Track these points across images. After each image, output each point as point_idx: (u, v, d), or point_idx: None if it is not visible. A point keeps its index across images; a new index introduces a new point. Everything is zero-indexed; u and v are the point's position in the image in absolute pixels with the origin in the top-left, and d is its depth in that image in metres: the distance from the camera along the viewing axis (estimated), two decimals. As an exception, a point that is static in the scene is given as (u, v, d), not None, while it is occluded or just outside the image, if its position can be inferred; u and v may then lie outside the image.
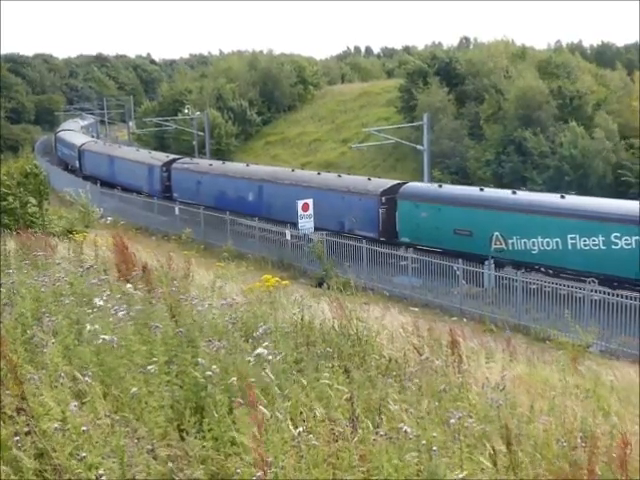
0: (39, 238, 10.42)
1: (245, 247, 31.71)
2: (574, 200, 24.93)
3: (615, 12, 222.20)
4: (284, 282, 8.74)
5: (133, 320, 5.27)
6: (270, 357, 4.62)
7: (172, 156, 46.63)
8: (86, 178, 50.61)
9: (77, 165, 57.12)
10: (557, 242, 23.37)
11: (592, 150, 45.64)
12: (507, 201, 25.51)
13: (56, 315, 5.37)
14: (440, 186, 29.61)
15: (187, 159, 45.49)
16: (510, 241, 24.53)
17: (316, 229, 30.13)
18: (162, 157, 46.19)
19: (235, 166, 41.23)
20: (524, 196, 26.14)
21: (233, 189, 37.09)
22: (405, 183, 30.60)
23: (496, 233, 24.76)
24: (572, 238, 22.98)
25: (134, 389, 4.18)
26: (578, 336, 18.00)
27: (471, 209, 25.84)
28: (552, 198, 25.43)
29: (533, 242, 23.97)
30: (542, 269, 24.06)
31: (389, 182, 31.41)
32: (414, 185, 30.75)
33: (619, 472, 3.89)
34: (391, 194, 29.16)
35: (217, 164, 42.04)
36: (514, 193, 26.28)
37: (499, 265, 24.15)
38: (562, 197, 24.87)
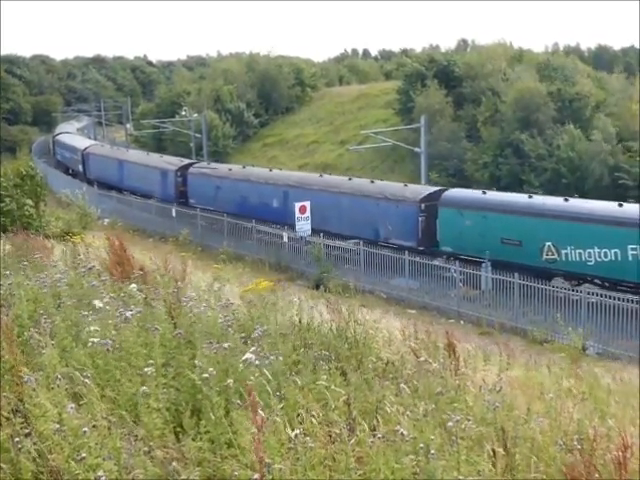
0: (36, 240, 10.41)
1: (242, 249, 31.68)
2: (634, 208, 23.37)
3: (612, 15, 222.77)
4: (272, 283, 8.74)
5: (133, 322, 5.26)
6: (257, 362, 4.60)
7: (186, 160, 45.37)
8: (91, 182, 49.66)
9: (80, 169, 55.99)
10: (616, 253, 22.20)
11: (589, 153, 45.71)
12: (560, 209, 24.24)
13: (54, 317, 5.37)
14: (484, 192, 28.14)
15: (204, 163, 43.98)
16: (563, 251, 23.42)
17: (348, 237, 29.36)
18: (176, 161, 44.76)
19: (257, 171, 39.08)
20: (578, 204, 24.77)
21: (256, 195, 35.36)
22: (446, 189, 29.37)
23: (548, 243, 23.69)
24: (633, 249, 21.79)
25: (134, 389, 4.17)
26: (574, 339, 18.05)
27: (520, 217, 24.63)
28: (609, 206, 24.21)
29: (589, 253, 22.78)
30: (597, 281, 23.07)
31: (428, 188, 30.33)
32: (457, 191, 29.58)
33: (617, 475, 3.89)
34: (431, 201, 27.79)
35: (237, 169, 40.01)
36: (566, 200, 24.97)
37: (550, 276, 23.17)
38: (620, 205, 23.69)
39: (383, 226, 29.01)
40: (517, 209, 25.08)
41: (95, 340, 4.68)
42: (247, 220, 32.95)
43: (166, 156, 49.98)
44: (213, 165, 43.03)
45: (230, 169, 39.99)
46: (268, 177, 36.20)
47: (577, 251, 23.10)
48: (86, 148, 56.69)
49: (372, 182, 32.30)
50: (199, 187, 39.73)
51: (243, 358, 4.61)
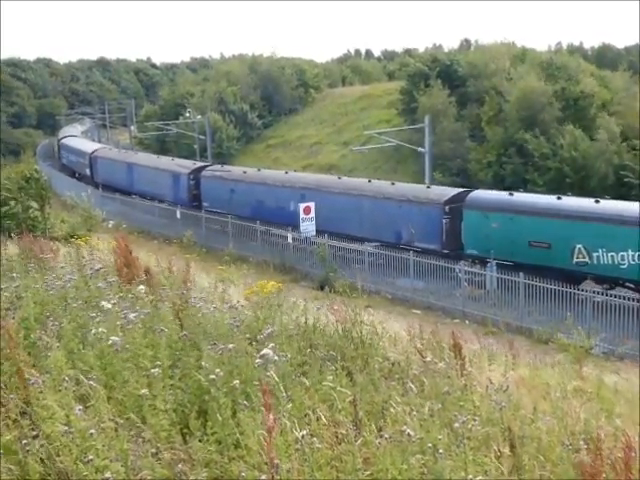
0: (41, 242, 10.43)
1: (247, 250, 31.72)
2: None
3: (615, 13, 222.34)
4: (277, 285, 8.75)
5: (139, 323, 5.27)
6: (276, 358, 4.61)
7: (199, 163, 44.67)
8: (99, 186, 49.03)
9: (88, 173, 55.40)
10: None
11: (593, 152, 45.61)
12: (591, 211, 23.55)
13: (60, 319, 5.38)
14: (511, 194, 27.37)
15: (217, 166, 43.05)
16: (595, 254, 22.81)
17: (368, 240, 28.83)
18: (189, 164, 43.97)
19: (273, 173, 38.68)
20: (610, 205, 24.02)
21: (272, 198, 34.64)
22: (471, 191, 28.56)
23: (578, 245, 23.08)
24: None
25: (141, 391, 4.18)
26: (580, 338, 18.02)
27: (549, 219, 24.07)
28: None
29: (622, 256, 22.21)
30: (631, 284, 22.52)
31: (452, 190, 29.72)
32: (482, 193, 28.72)
33: (623, 474, 3.88)
34: (456, 203, 27.20)
35: (252, 171, 39.00)
36: (597, 202, 24.19)
37: (581, 279, 22.88)
38: None
39: (406, 229, 28.40)
40: (546, 211, 24.52)
41: (103, 341, 4.69)
42: (258, 223, 32.68)
43: (177, 159, 49.12)
44: (227, 168, 42.02)
45: (245, 172, 39.09)
46: (285, 180, 35.53)
47: (609, 254, 22.52)
48: (94, 151, 56.15)
49: (393, 184, 31.70)
50: (213, 190, 38.99)
51: (261, 353, 4.61)
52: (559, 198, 25.44)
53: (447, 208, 27.30)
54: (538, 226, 24.30)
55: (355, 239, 28.67)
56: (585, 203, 24.78)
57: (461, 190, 29.33)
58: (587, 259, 23.08)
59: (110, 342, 4.69)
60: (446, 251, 26.66)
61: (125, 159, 51.30)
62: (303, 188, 33.32)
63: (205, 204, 38.91)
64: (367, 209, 30.07)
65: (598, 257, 22.83)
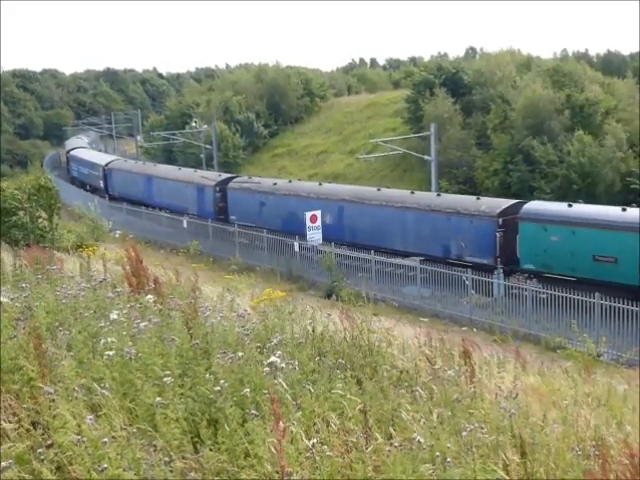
0: (49, 252, 10.49)
1: (253, 259, 31.76)
2: None
3: (620, 20, 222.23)
4: (282, 294, 8.80)
5: (149, 333, 5.29)
6: (283, 365, 4.63)
7: (225, 175, 43.77)
8: (113, 199, 48.71)
9: (101, 185, 54.59)
10: None
11: (601, 159, 45.57)
12: None
13: (70, 329, 5.41)
14: (570, 205, 26.03)
15: (245, 177, 42.04)
16: None
17: (413, 255, 28.17)
18: (214, 176, 42.79)
19: (306, 185, 37.53)
20: None
21: (306, 211, 32.65)
22: (526, 202, 27.61)
23: None
24: None
25: (155, 399, 4.20)
26: (588, 345, 17.97)
27: (615, 232, 22.93)
28: None
29: None
30: None
31: (505, 201, 28.76)
32: (539, 204, 27.80)
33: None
34: (510, 215, 26.26)
35: (282, 183, 37.90)
36: None
37: None
38: None
39: (455, 243, 27.66)
40: (611, 223, 23.43)
41: (112, 352, 4.71)
42: (265, 231, 32.67)
43: (201, 170, 48.25)
44: (255, 179, 40.67)
45: (275, 183, 37.89)
46: (319, 192, 34.38)
47: None
48: (108, 164, 55.31)
49: (439, 195, 31.10)
50: (241, 203, 37.89)
51: (268, 361, 4.63)
52: (624, 210, 24.42)
53: (501, 221, 26.40)
54: (603, 239, 23.27)
55: (398, 253, 28.10)
56: None
57: (515, 201, 28.46)
58: None
59: (127, 348, 4.72)
60: (500, 266, 25.72)
61: (144, 171, 50.24)
62: (340, 200, 32.47)
63: (232, 217, 37.83)
64: (411, 222, 29.25)
65: None
